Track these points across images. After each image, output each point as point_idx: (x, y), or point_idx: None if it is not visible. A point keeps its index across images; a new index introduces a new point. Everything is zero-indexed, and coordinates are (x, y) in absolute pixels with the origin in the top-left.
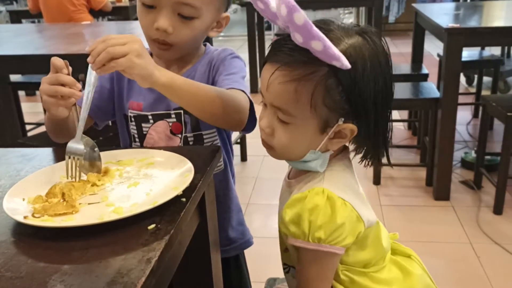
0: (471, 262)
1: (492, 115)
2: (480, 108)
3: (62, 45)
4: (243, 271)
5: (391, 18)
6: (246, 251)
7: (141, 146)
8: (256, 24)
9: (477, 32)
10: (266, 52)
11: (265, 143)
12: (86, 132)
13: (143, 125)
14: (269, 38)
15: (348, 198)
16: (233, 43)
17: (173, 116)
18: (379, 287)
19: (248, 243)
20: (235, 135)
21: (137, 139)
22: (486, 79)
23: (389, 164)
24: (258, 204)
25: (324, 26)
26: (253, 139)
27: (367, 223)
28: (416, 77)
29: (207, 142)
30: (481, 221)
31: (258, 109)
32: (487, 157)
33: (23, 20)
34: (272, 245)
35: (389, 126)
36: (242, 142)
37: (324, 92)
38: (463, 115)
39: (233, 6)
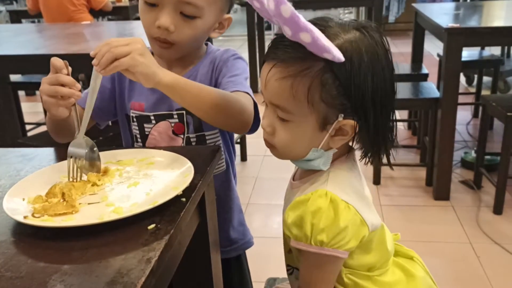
0: (471, 262)
1: (492, 115)
2: (480, 108)
3: (62, 45)
4: (244, 271)
5: (391, 18)
6: (246, 251)
7: (143, 147)
8: (256, 24)
9: (477, 32)
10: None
11: (267, 143)
12: (86, 132)
13: (145, 125)
14: (269, 38)
15: (352, 201)
16: (233, 43)
17: (175, 116)
18: None
19: (249, 243)
20: (236, 135)
21: (139, 139)
22: (486, 79)
23: (389, 164)
24: (258, 204)
25: (321, 22)
26: (253, 139)
27: (371, 226)
28: (416, 77)
29: (209, 142)
30: (481, 221)
31: (262, 109)
32: (487, 157)
33: (23, 20)
34: (272, 245)
35: (392, 125)
36: (242, 142)
37: (321, 87)
38: (463, 115)
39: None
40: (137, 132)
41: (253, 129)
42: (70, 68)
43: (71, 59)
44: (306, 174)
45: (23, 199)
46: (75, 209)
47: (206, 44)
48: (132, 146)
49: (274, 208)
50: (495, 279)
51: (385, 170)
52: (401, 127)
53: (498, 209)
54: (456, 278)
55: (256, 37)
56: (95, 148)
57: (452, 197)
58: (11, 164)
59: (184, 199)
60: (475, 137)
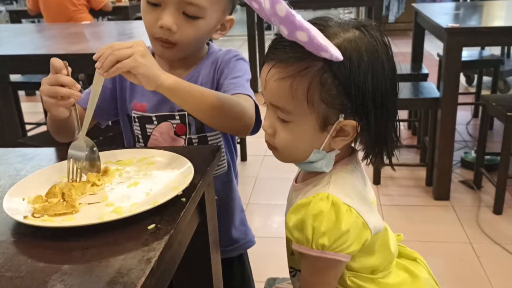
0: (471, 262)
1: (492, 115)
2: (480, 108)
3: (62, 45)
4: (246, 270)
5: (391, 18)
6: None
7: (145, 147)
8: (256, 24)
9: (477, 32)
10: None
11: (269, 145)
12: (86, 132)
13: (147, 126)
14: (269, 38)
15: (354, 204)
16: (233, 43)
17: (177, 117)
18: None
19: (250, 243)
20: None
21: (141, 140)
22: (486, 79)
23: (391, 165)
24: (258, 204)
25: (321, 22)
26: (253, 138)
27: (373, 230)
28: (416, 77)
29: (211, 144)
30: (481, 221)
31: (263, 110)
32: (487, 157)
33: (23, 20)
34: (272, 245)
35: (395, 125)
36: (242, 142)
37: (320, 87)
38: (463, 115)
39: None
40: (139, 132)
41: (255, 131)
42: (69, 69)
43: (71, 59)
44: (308, 177)
45: (23, 199)
46: (75, 209)
47: (208, 44)
48: (134, 146)
49: (274, 208)
50: (495, 279)
51: (385, 170)
52: (401, 127)
53: (498, 209)
54: (456, 278)
55: (256, 37)
56: (95, 148)
57: (452, 197)
58: (11, 164)
59: (184, 199)
60: (475, 137)
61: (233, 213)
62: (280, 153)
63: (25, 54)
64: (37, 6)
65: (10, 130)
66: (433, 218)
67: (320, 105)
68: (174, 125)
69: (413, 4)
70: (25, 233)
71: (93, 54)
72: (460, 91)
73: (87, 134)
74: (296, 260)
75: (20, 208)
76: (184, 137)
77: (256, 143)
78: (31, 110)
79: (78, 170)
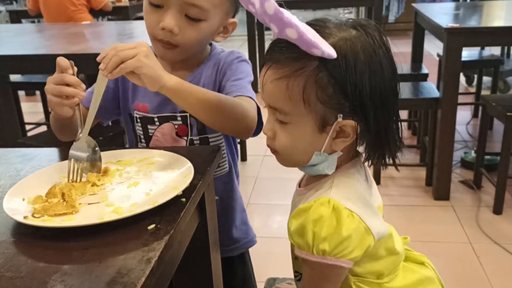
0: (470, 262)
1: (491, 115)
2: (480, 108)
3: (62, 45)
4: (248, 269)
5: (391, 18)
6: None
7: (147, 147)
8: (256, 24)
9: (476, 32)
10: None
11: (270, 148)
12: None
13: (149, 126)
14: (269, 38)
15: (356, 209)
16: (233, 43)
17: (179, 118)
18: None
19: (251, 242)
20: None
21: (143, 140)
22: (486, 79)
23: (394, 165)
24: (258, 204)
25: (318, 23)
26: (253, 139)
27: (376, 235)
28: (416, 77)
29: (213, 145)
30: (481, 221)
31: (264, 111)
32: (487, 157)
33: (23, 20)
34: (272, 244)
35: (397, 126)
36: (242, 142)
37: (316, 86)
38: (463, 115)
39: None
40: (141, 132)
41: (256, 133)
42: (75, 68)
43: (71, 59)
44: (311, 181)
45: (23, 199)
46: (75, 209)
47: (210, 44)
48: (136, 146)
49: (274, 208)
50: (495, 279)
51: (385, 170)
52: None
53: (498, 209)
54: (456, 278)
55: (256, 37)
56: (97, 148)
57: (452, 197)
58: (11, 164)
59: (184, 199)
60: (475, 137)
61: (234, 213)
62: (281, 156)
63: (25, 54)
64: (37, 6)
65: (10, 130)
66: (433, 218)
67: (317, 104)
68: (176, 126)
69: (413, 4)
70: (25, 233)
71: (93, 54)
72: (460, 91)
73: (88, 134)
74: (300, 265)
75: (20, 208)
76: (185, 138)
77: (256, 143)
78: (31, 110)
79: (79, 171)
